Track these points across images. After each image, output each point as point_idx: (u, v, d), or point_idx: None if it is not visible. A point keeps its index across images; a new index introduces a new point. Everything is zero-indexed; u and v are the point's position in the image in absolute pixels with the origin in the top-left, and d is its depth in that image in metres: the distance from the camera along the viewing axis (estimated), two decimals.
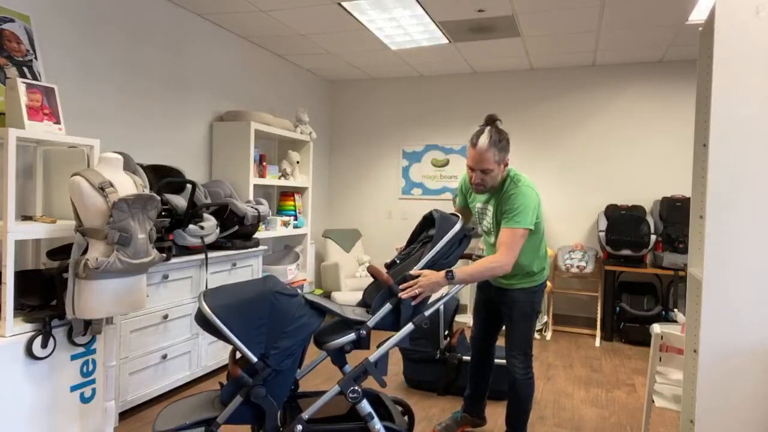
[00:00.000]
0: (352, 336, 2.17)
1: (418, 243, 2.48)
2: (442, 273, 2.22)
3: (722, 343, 1.81)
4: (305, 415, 2.14)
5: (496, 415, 3.26)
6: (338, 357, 2.29)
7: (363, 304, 2.45)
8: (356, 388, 2.17)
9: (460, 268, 2.28)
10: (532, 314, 2.60)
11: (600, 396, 3.64)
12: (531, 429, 3.08)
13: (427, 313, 2.27)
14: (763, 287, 1.78)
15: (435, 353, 3.58)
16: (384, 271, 2.36)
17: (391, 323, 2.24)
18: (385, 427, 2.23)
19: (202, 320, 1.99)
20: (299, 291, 2.19)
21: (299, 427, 2.12)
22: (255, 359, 2.00)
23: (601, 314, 5.19)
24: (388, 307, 2.21)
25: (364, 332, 2.18)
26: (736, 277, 1.79)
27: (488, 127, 2.40)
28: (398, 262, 2.47)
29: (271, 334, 2.03)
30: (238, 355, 2.26)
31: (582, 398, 3.59)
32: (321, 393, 2.45)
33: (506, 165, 2.45)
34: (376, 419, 2.20)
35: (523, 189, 2.40)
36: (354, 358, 2.50)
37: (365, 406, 2.19)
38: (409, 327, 2.23)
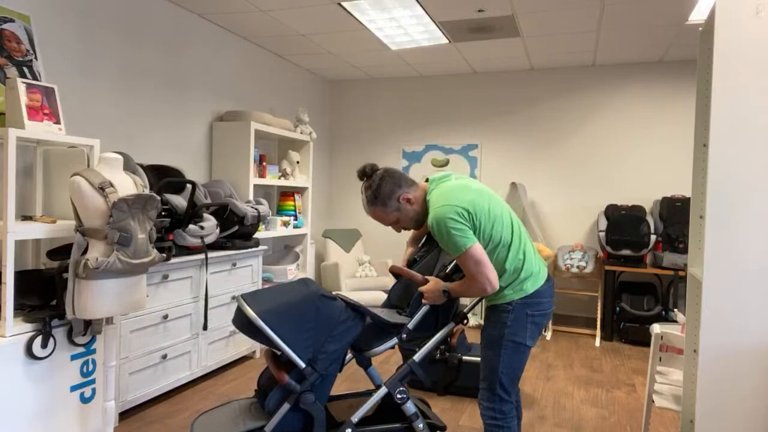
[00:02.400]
0: (394, 340, 2.18)
1: (436, 242, 2.48)
2: (441, 288, 2.13)
3: (722, 343, 1.81)
4: (354, 419, 2.13)
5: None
6: (364, 358, 2.32)
7: (388, 305, 2.44)
8: (403, 388, 2.18)
9: (454, 284, 2.12)
10: (501, 341, 2.07)
11: (600, 396, 3.64)
12: (531, 429, 3.08)
13: (465, 310, 2.29)
14: (764, 287, 1.78)
15: (435, 353, 3.58)
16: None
17: (431, 324, 2.25)
18: (429, 425, 2.25)
19: (246, 325, 1.94)
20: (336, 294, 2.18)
21: (348, 430, 2.11)
22: (303, 365, 1.98)
23: (601, 314, 5.19)
24: (426, 307, 2.20)
25: (405, 335, 2.18)
26: (736, 277, 1.79)
27: (362, 186, 2.16)
28: (418, 259, 2.47)
29: (318, 339, 2.01)
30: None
31: (582, 398, 3.59)
32: (348, 395, 2.47)
33: (408, 200, 2.12)
34: (421, 418, 2.21)
35: (433, 214, 2.00)
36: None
37: (411, 406, 2.20)
38: (450, 325, 2.23)
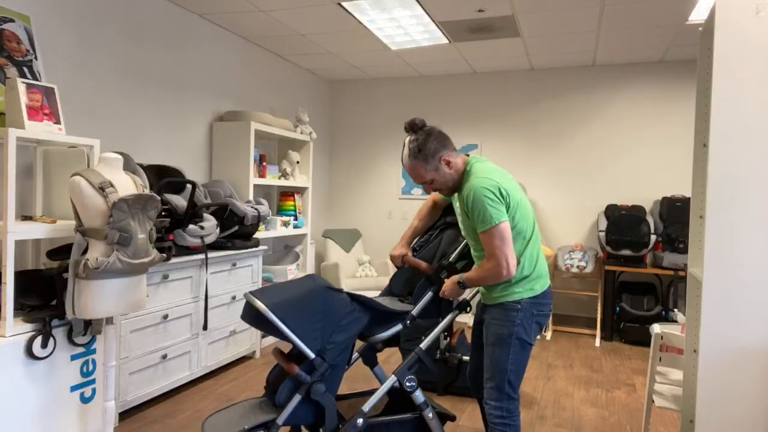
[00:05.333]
0: (399, 326, 2.23)
1: (437, 229, 2.50)
2: (456, 281, 2.18)
3: (722, 343, 1.81)
4: (366, 408, 2.15)
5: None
6: (371, 356, 2.37)
7: (389, 292, 2.48)
8: (412, 377, 2.20)
9: (469, 273, 2.14)
10: (510, 339, 2.07)
11: (600, 396, 3.64)
12: (531, 429, 3.08)
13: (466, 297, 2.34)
14: (763, 287, 1.78)
15: (435, 353, 3.58)
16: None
17: (435, 311, 2.30)
18: (438, 414, 2.27)
19: (256, 318, 1.96)
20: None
21: (360, 420, 2.12)
22: (313, 355, 2.00)
23: (601, 314, 5.19)
24: (430, 295, 2.27)
25: (409, 321, 2.24)
26: (736, 277, 1.79)
27: (406, 139, 2.14)
28: (418, 248, 2.49)
29: (326, 330, 2.04)
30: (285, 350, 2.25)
31: (582, 398, 3.59)
32: (351, 395, 2.49)
33: (449, 163, 2.11)
34: (430, 407, 2.24)
35: (473, 183, 2.03)
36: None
37: (420, 395, 2.22)
38: (454, 313, 2.30)
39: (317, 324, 2.02)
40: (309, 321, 2.00)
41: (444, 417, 2.35)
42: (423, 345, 2.24)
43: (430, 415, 2.22)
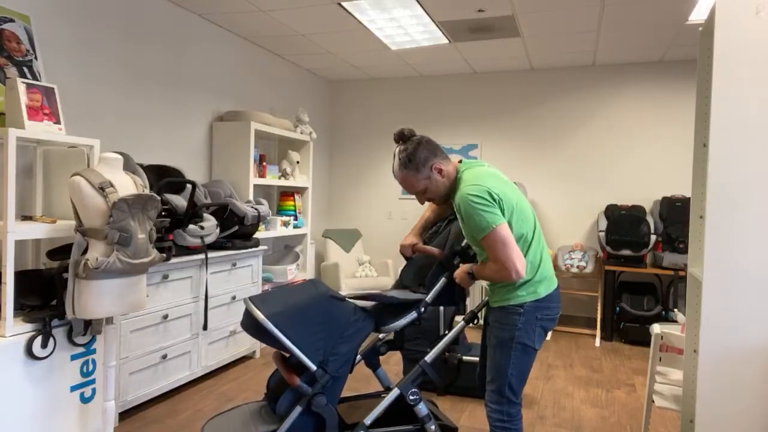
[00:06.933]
0: (413, 315, 2.18)
1: (445, 221, 2.48)
2: (467, 270, 2.12)
3: (722, 343, 1.81)
4: (367, 421, 2.12)
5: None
6: (373, 359, 2.37)
7: (400, 285, 2.45)
8: (416, 390, 2.17)
9: (478, 265, 2.09)
10: (511, 343, 2.03)
11: (600, 396, 3.64)
12: (531, 429, 3.08)
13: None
14: (763, 287, 1.78)
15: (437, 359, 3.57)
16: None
17: (449, 298, 2.26)
18: (440, 426, 2.25)
19: (255, 328, 1.92)
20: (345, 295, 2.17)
21: None
22: (314, 368, 1.97)
23: (601, 314, 5.19)
24: (443, 281, 2.22)
25: (423, 308, 2.20)
26: (736, 277, 1.79)
27: (396, 149, 2.11)
28: (427, 241, 2.47)
29: (329, 340, 1.99)
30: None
31: (582, 398, 3.59)
32: (356, 397, 2.47)
33: (440, 171, 2.08)
34: (433, 420, 2.21)
35: (462, 191, 1.99)
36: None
37: (423, 408, 2.20)
38: (461, 325, 2.26)
39: (319, 335, 1.97)
40: (311, 332, 1.96)
41: (446, 429, 2.32)
42: (428, 358, 2.20)
43: (433, 427, 2.19)
